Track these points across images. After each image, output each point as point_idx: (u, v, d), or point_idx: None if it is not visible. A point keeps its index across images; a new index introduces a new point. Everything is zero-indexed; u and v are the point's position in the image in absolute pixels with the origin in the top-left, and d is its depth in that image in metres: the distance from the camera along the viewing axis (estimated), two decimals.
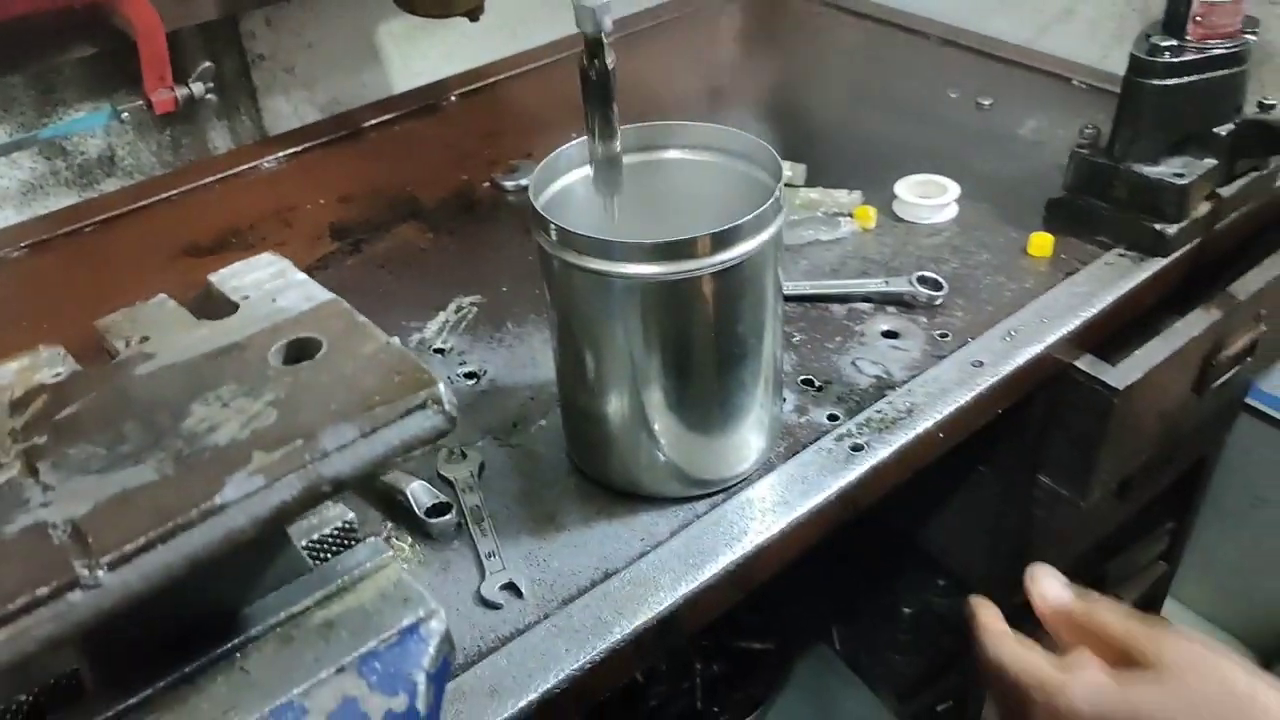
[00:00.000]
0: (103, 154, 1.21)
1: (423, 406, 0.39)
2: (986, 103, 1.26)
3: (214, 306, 0.47)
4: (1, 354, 0.94)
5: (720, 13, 1.58)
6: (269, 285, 0.46)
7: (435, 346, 0.95)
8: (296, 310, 0.44)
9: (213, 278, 0.48)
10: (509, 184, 1.17)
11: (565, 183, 0.78)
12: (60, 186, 1.19)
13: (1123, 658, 0.54)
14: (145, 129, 1.22)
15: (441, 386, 0.40)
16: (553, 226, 0.69)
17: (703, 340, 0.72)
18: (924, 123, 1.23)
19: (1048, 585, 0.60)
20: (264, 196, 1.17)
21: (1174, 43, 0.93)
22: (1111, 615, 0.56)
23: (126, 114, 1.11)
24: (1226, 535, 1.62)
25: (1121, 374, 0.92)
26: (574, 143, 0.77)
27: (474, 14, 1.16)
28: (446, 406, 0.40)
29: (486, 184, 1.18)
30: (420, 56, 1.41)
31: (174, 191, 1.18)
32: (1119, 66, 1.34)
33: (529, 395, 0.89)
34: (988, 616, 0.60)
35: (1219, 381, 1.05)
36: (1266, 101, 0.98)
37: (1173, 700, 0.50)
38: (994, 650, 0.58)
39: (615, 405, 0.75)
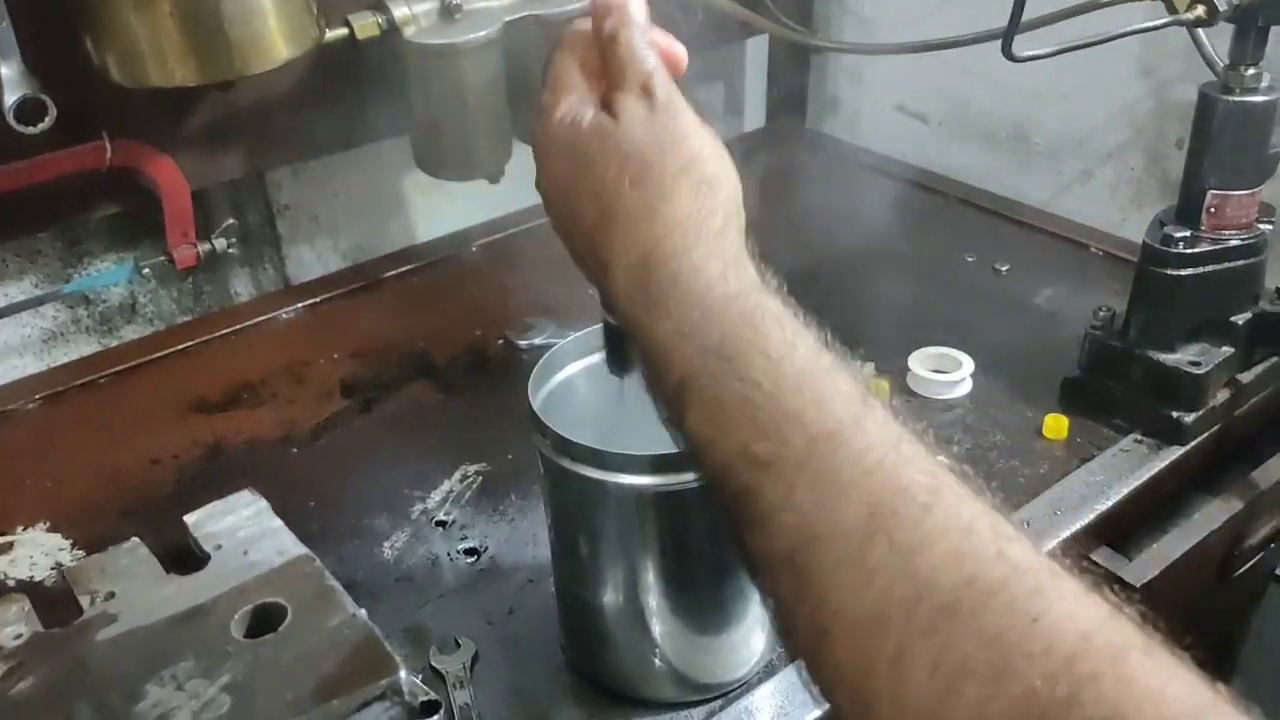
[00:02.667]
0: (124, 302, 1.23)
1: (381, 698, 0.37)
2: (1003, 268, 1.26)
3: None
4: (7, 515, 0.94)
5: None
6: (243, 532, 0.45)
7: (438, 519, 0.94)
8: (267, 566, 0.44)
9: (190, 520, 0.47)
10: (523, 343, 1.17)
11: (568, 374, 0.78)
12: (81, 334, 1.21)
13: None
14: (168, 277, 1.24)
15: (403, 674, 0.38)
16: (549, 431, 0.69)
17: (702, 549, 0.70)
18: (940, 287, 1.23)
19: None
20: (279, 349, 1.18)
21: (1188, 233, 0.93)
22: (625, 52, 0.53)
23: (148, 269, 1.13)
24: (1265, 706, 1.55)
25: (1139, 569, 0.89)
26: (572, 337, 0.77)
27: (494, 178, 1.18)
28: (406, 697, 0.38)
29: (500, 341, 1.18)
30: (446, 202, 1.43)
31: (191, 342, 1.19)
32: (1136, 233, 1.35)
33: (528, 578, 0.87)
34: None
35: (1243, 569, 1.02)
36: None
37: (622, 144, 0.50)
38: (550, 56, 0.55)
39: (611, 608, 0.73)
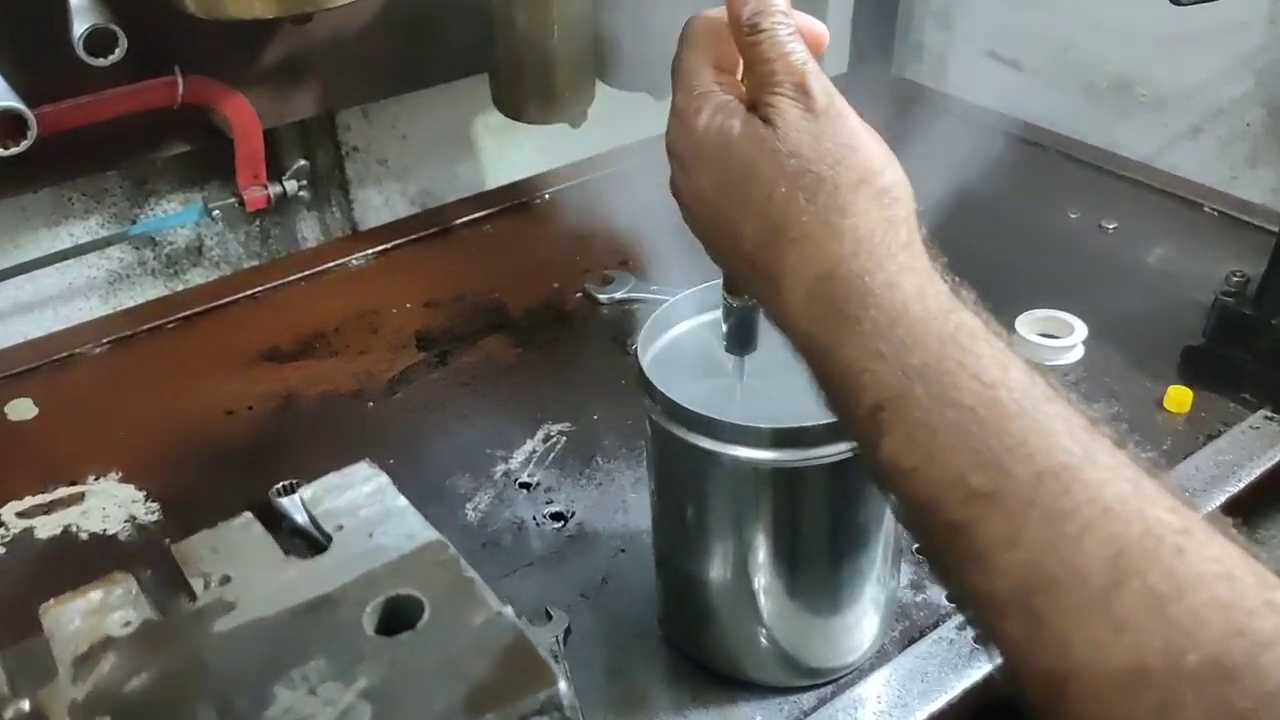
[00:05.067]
0: (190, 244, 1.19)
1: (540, 713, 0.33)
2: (1110, 226, 1.19)
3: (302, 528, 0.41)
4: (77, 464, 0.91)
5: None
6: (365, 511, 0.41)
7: (521, 480, 0.90)
8: (396, 552, 0.39)
9: (305, 494, 0.42)
10: (603, 296, 1.12)
11: (676, 334, 0.72)
12: (147, 276, 1.17)
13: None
14: (234, 220, 1.20)
15: (563, 686, 0.34)
16: (659, 394, 0.64)
17: (819, 528, 0.66)
18: (1044, 246, 1.16)
19: None
20: (350, 297, 1.14)
21: None
22: (770, 48, 0.47)
23: (218, 211, 1.09)
24: None
25: (1275, 559, 0.83)
26: (686, 293, 0.72)
27: (577, 121, 1.12)
28: (568, 712, 0.34)
29: (579, 294, 1.13)
30: (515, 147, 1.38)
31: (259, 288, 1.15)
32: (1250, 192, 1.27)
33: (620, 547, 0.83)
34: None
35: None
36: None
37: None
38: (679, 53, 0.50)
39: (718, 582, 0.69)
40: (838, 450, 0.61)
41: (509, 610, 0.36)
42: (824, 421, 0.61)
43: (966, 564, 0.40)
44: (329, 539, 0.40)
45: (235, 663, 0.35)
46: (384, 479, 0.43)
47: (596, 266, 1.15)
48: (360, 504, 0.42)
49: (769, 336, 0.68)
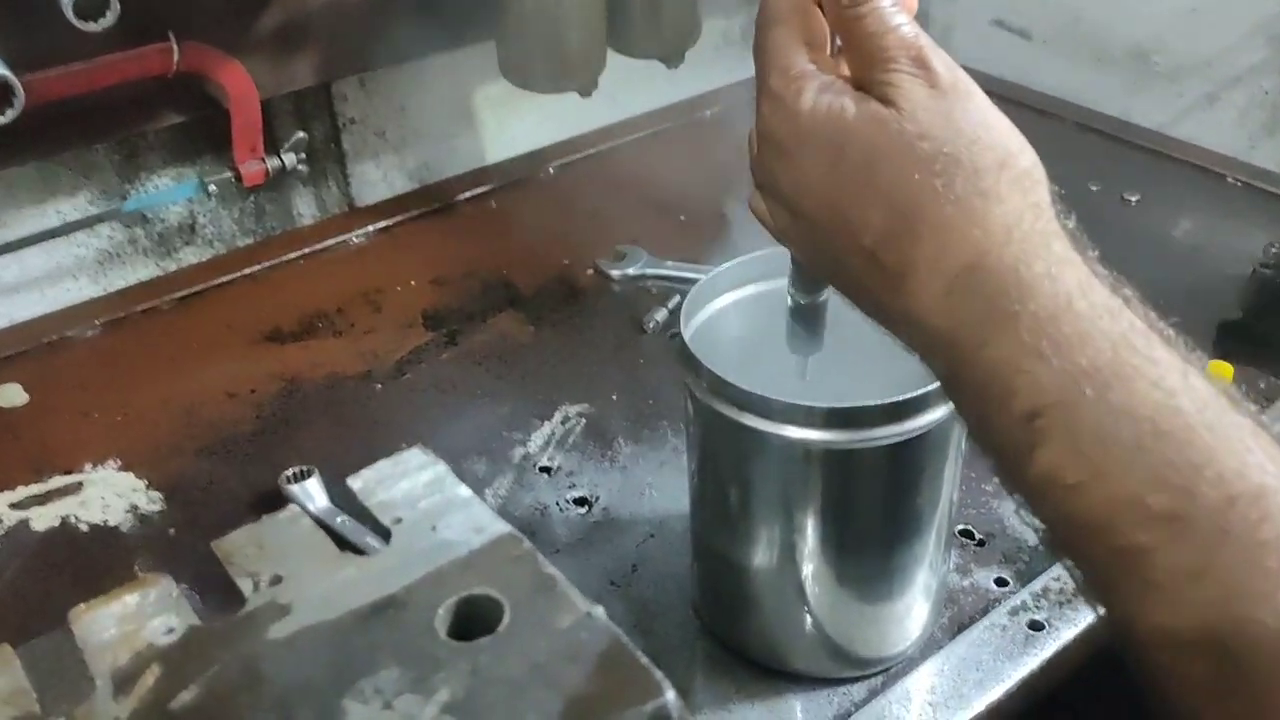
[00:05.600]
0: (184, 221, 1.14)
1: None
2: (1133, 198, 1.16)
3: (351, 510, 0.38)
4: (73, 452, 0.87)
5: None
6: (424, 503, 0.37)
7: (541, 464, 0.86)
8: (465, 547, 0.36)
9: (354, 484, 0.39)
10: (615, 273, 1.08)
11: (717, 307, 0.69)
12: (138, 255, 1.12)
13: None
14: (228, 196, 1.15)
15: (670, 696, 0.30)
16: (704, 370, 0.60)
17: (873, 513, 0.63)
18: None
19: None
20: (351, 275, 1.10)
21: None
22: (877, 21, 0.43)
23: (214, 186, 1.04)
24: None
25: None
26: (728, 265, 0.68)
27: (587, 90, 1.08)
28: None
29: (590, 271, 1.09)
30: (517, 120, 1.33)
31: (257, 267, 1.10)
32: (1269, 161, 1.25)
33: (648, 532, 0.79)
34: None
35: None
36: None
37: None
38: (764, 32, 0.46)
39: (762, 568, 0.66)
40: (895, 431, 0.58)
41: (600, 610, 0.33)
42: (881, 401, 0.58)
43: (1142, 594, 0.36)
44: (388, 534, 0.36)
45: (297, 673, 0.31)
46: (442, 467, 0.39)
47: (608, 242, 1.11)
48: (419, 494, 0.38)
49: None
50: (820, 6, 0.46)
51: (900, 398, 0.57)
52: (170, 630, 0.34)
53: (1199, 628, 0.35)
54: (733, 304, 0.68)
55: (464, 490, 0.38)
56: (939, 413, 0.58)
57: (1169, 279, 1.03)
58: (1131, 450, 0.37)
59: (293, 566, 0.36)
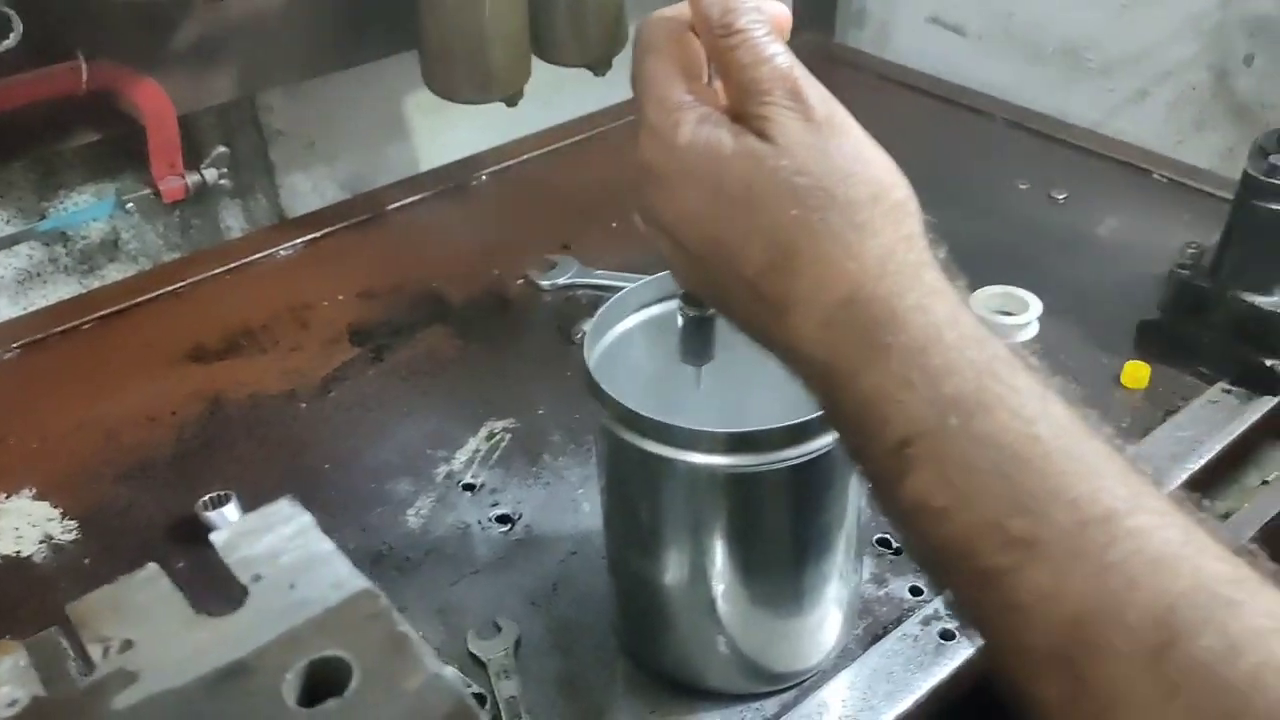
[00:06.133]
0: (106, 238, 1.12)
1: None
2: (1060, 196, 1.17)
3: (216, 575, 0.37)
4: None
5: None
6: (286, 559, 0.37)
7: (465, 482, 0.86)
8: (320, 605, 0.35)
9: (217, 540, 0.38)
10: (545, 283, 1.07)
11: (623, 329, 0.69)
12: (60, 274, 1.11)
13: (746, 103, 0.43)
14: (151, 211, 1.13)
15: None
16: (607, 398, 0.60)
17: (780, 532, 0.63)
18: (994, 218, 1.14)
19: None
20: (279, 289, 1.08)
21: None
22: (750, 52, 0.42)
23: (132, 203, 1.02)
24: None
25: (1234, 530, 0.82)
26: (631, 287, 0.68)
27: (513, 100, 1.07)
28: None
29: (520, 280, 1.08)
30: (449, 127, 1.32)
31: (181, 283, 1.08)
32: (1195, 157, 1.26)
33: (570, 550, 0.79)
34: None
35: None
36: None
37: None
38: (640, 61, 0.45)
39: (674, 588, 0.66)
40: (798, 453, 0.58)
41: (449, 671, 0.32)
42: (782, 424, 0.58)
43: (1002, 615, 0.37)
44: (245, 592, 0.36)
45: None
46: (307, 518, 0.39)
47: (537, 251, 1.11)
48: (280, 549, 0.37)
49: (722, 338, 0.65)
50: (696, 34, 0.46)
51: (800, 419, 0.57)
52: (14, 703, 0.33)
53: (1052, 647, 0.36)
54: (639, 325, 0.68)
55: (327, 544, 0.38)
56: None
57: (1093, 277, 1.04)
58: (993, 477, 0.38)
59: (146, 630, 0.35)
